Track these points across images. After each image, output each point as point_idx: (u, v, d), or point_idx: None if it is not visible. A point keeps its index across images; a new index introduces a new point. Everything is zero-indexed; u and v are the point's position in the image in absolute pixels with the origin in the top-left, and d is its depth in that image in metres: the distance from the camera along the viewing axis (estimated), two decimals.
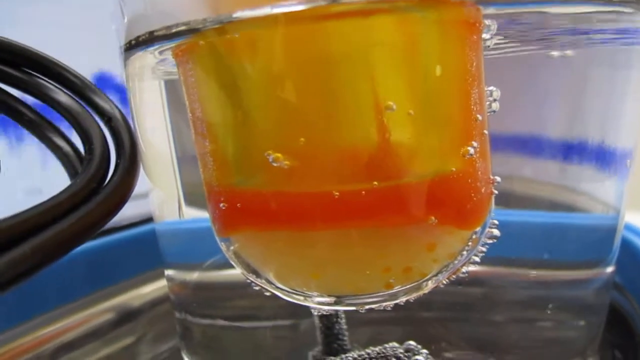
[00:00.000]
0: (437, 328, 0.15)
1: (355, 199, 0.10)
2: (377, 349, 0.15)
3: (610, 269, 0.15)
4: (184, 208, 0.14)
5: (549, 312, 0.14)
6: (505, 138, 0.14)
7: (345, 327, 0.15)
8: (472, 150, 0.11)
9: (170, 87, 0.13)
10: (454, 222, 0.11)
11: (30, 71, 0.12)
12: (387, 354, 0.14)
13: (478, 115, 0.11)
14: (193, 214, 0.14)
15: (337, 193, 0.10)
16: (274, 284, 0.12)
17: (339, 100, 0.10)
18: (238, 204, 0.11)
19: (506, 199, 0.13)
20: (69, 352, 0.19)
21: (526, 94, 0.14)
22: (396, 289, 0.12)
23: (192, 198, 0.14)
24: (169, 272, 0.15)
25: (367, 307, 0.12)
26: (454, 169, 0.11)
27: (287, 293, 0.12)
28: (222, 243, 0.12)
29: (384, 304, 0.12)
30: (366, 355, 0.15)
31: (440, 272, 0.12)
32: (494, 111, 0.12)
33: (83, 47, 0.24)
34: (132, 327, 0.20)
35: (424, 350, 0.15)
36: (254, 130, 0.10)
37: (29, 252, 0.08)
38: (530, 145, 0.14)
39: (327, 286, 0.11)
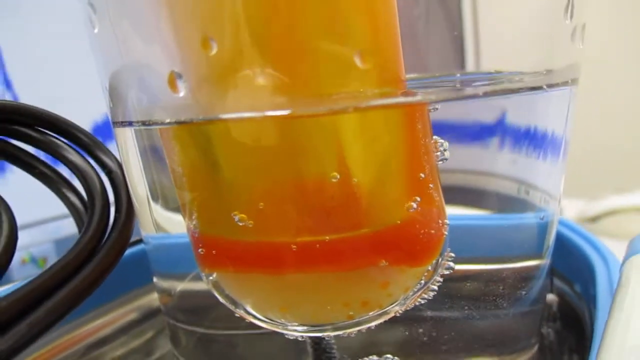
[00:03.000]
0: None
1: (311, 250, 0.12)
2: None
3: (547, 261, 0.16)
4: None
5: (494, 305, 0.16)
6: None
7: (333, 340, 0.17)
8: (415, 205, 0.12)
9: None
10: (404, 263, 0.13)
11: (44, 130, 0.15)
12: None
13: (421, 174, 0.12)
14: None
15: (294, 246, 0.12)
16: (251, 314, 0.14)
17: (297, 171, 0.11)
18: (213, 251, 0.13)
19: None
20: (100, 347, 0.21)
21: None
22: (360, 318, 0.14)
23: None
24: (156, 280, 0.16)
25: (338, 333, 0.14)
26: (399, 222, 0.12)
27: (264, 321, 0.14)
28: (203, 275, 0.14)
29: (352, 330, 0.14)
30: None
31: (399, 302, 0.14)
32: (446, 159, 0.14)
33: None
34: (152, 323, 0.23)
35: None
36: (224, 196, 0.12)
37: (42, 315, 0.10)
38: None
39: (298, 318, 0.13)
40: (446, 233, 0.14)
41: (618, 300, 0.11)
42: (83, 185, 0.14)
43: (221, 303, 0.14)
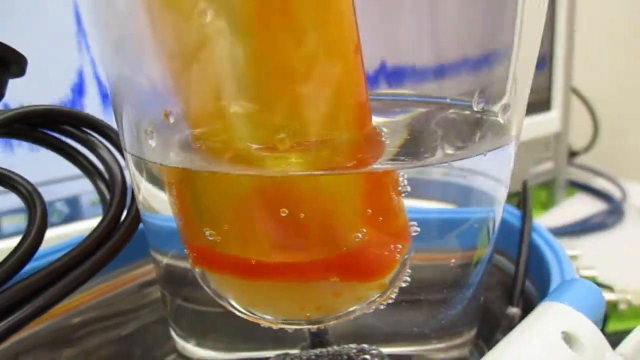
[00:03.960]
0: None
1: (270, 265, 0.14)
2: (335, 348, 0.19)
3: (490, 249, 0.18)
4: None
5: (442, 293, 0.17)
6: None
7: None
8: (360, 235, 0.14)
9: None
10: (354, 280, 0.15)
11: (86, 129, 0.18)
12: (342, 352, 0.19)
13: (369, 210, 0.14)
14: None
15: (253, 261, 0.14)
16: (233, 306, 0.16)
17: (254, 208, 0.14)
18: (194, 254, 0.15)
19: None
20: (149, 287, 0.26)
21: None
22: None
23: None
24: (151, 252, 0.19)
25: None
26: (345, 249, 0.14)
27: (243, 313, 0.16)
28: (193, 268, 0.17)
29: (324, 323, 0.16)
30: (318, 354, 0.19)
31: (361, 307, 0.16)
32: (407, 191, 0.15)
33: None
34: None
35: (375, 351, 0.19)
36: (200, 214, 0.15)
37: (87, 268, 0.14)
38: None
39: (270, 314, 0.16)
40: (406, 254, 0.16)
41: (516, 330, 0.13)
42: (109, 176, 0.17)
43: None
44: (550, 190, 0.60)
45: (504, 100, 0.17)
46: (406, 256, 0.16)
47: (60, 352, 0.22)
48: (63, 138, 0.18)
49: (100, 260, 0.16)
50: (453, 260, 0.17)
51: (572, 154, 0.63)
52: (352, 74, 0.13)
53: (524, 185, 0.24)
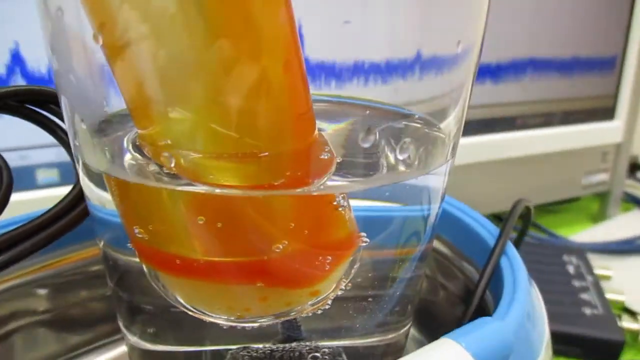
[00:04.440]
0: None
1: (195, 264, 0.15)
2: (294, 345, 0.19)
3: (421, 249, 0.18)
4: None
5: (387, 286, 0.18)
6: None
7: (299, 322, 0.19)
8: (281, 247, 0.14)
9: None
10: (279, 286, 0.15)
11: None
12: (296, 349, 0.19)
13: (291, 224, 0.14)
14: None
15: (178, 261, 0.15)
16: (178, 301, 0.17)
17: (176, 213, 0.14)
18: (132, 245, 0.16)
19: None
20: None
21: None
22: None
23: None
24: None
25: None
26: (265, 258, 0.15)
27: (189, 310, 0.17)
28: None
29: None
30: (274, 349, 0.19)
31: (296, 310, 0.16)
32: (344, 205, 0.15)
33: None
34: None
35: (327, 349, 0.19)
36: (130, 214, 0.15)
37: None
38: None
39: (204, 310, 0.17)
40: (337, 266, 0.16)
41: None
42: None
43: None
44: (603, 203, 0.56)
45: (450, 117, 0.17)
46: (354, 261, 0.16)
47: None
48: (49, 115, 0.19)
49: (48, 238, 0.17)
50: (384, 256, 0.17)
51: (634, 167, 0.59)
52: (283, 87, 0.13)
53: (514, 205, 0.23)
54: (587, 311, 0.37)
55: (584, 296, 0.38)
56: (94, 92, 0.14)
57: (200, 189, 0.14)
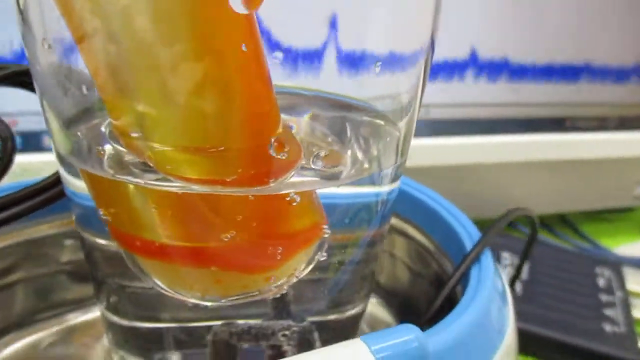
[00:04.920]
0: None
1: (151, 246, 0.16)
2: (274, 322, 0.20)
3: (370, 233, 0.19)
4: None
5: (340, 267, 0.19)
6: None
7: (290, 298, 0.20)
8: (229, 236, 0.15)
9: None
10: (232, 270, 0.16)
11: None
12: (270, 327, 0.20)
13: (238, 216, 0.15)
14: None
15: (138, 242, 0.16)
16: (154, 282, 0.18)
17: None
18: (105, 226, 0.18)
19: None
20: None
21: None
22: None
23: None
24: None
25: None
26: (214, 245, 0.16)
27: (164, 289, 0.18)
28: None
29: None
30: (252, 326, 0.20)
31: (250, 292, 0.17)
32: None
33: None
34: None
35: (297, 328, 0.20)
36: (95, 196, 0.17)
37: None
38: None
39: (169, 288, 0.18)
40: (291, 256, 0.17)
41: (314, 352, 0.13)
42: None
43: None
44: None
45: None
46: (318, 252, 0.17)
47: None
48: None
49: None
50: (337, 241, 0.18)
51: None
52: (235, 87, 0.14)
53: (503, 216, 0.23)
54: (608, 327, 0.35)
55: (608, 312, 0.37)
56: (61, 84, 0.16)
57: (146, 182, 0.15)
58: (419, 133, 0.43)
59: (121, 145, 0.16)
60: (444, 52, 0.43)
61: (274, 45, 0.16)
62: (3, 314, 0.23)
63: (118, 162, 0.16)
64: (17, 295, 0.23)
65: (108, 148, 0.16)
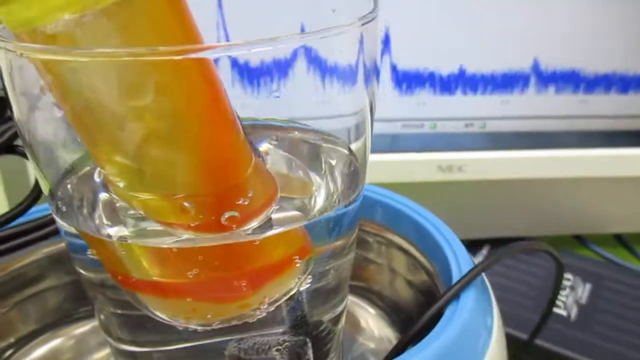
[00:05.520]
0: None
1: (132, 282, 0.18)
2: (272, 338, 0.22)
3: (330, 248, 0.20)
4: None
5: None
6: None
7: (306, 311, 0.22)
8: (195, 273, 0.17)
9: None
10: (205, 301, 0.18)
11: None
12: (270, 341, 0.22)
13: (199, 256, 0.17)
14: None
15: (119, 276, 0.19)
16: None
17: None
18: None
19: None
20: None
21: None
22: None
23: None
24: None
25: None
26: (182, 281, 0.18)
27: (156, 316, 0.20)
28: None
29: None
30: (256, 342, 0.22)
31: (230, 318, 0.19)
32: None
33: None
34: None
35: (289, 342, 0.22)
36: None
37: None
38: None
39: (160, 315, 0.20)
40: (260, 287, 0.18)
41: None
42: None
43: None
44: None
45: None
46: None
47: None
48: None
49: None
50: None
51: None
52: (199, 136, 0.16)
53: (490, 257, 0.22)
54: None
55: None
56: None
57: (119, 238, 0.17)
58: (478, 146, 0.42)
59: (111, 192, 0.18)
60: (505, 64, 0.42)
61: None
62: (38, 315, 0.27)
63: (112, 209, 0.18)
64: (49, 300, 0.27)
65: (103, 195, 0.19)
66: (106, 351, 0.27)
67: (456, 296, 0.20)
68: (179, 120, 0.15)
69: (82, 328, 0.28)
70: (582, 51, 0.42)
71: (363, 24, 0.16)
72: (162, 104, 0.15)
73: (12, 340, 0.27)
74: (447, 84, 0.41)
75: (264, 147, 0.20)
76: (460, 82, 0.41)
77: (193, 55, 0.14)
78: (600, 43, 0.41)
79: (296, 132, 0.21)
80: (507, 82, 0.42)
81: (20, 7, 0.13)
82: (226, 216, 0.17)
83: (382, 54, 0.40)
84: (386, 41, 0.40)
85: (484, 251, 0.47)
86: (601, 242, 0.50)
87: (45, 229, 0.22)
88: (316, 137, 0.21)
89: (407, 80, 0.41)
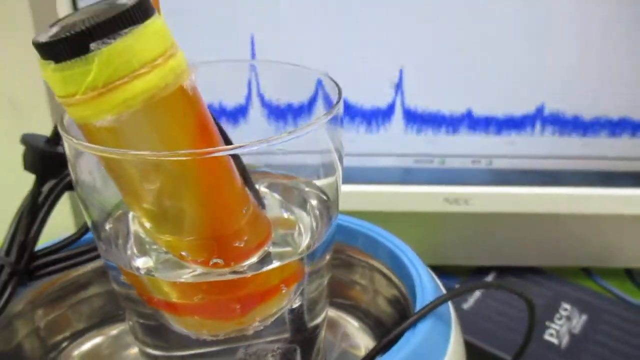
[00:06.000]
0: None
1: (153, 300, 0.24)
2: (265, 346, 0.27)
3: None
4: None
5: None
6: None
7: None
8: (198, 298, 0.23)
9: None
10: (209, 319, 0.24)
11: None
12: (267, 349, 0.27)
13: (203, 286, 0.22)
14: None
15: (144, 297, 0.24)
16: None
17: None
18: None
19: None
20: None
21: None
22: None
23: None
24: None
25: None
26: (190, 302, 0.23)
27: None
28: None
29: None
30: (257, 350, 0.27)
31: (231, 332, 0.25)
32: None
33: None
34: None
35: (280, 349, 0.27)
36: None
37: None
38: None
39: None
40: (251, 310, 0.23)
41: None
42: None
43: None
44: None
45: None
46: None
47: None
48: None
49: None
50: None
51: None
52: (199, 213, 0.21)
53: (464, 289, 0.26)
54: None
55: None
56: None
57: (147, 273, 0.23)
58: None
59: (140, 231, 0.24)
60: (511, 107, 0.46)
61: None
62: (87, 315, 0.33)
63: (141, 243, 0.24)
64: (95, 303, 0.34)
65: (134, 231, 0.24)
66: None
67: (413, 325, 0.25)
68: (184, 199, 0.21)
69: (120, 327, 0.34)
70: (585, 97, 0.45)
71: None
72: (170, 189, 0.20)
73: (67, 334, 0.33)
74: (456, 124, 0.45)
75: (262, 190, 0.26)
76: (468, 122, 0.45)
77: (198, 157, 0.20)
78: (604, 90, 0.44)
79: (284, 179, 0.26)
80: (513, 124, 0.45)
81: (78, 110, 0.19)
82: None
83: (394, 96, 0.45)
84: (399, 85, 0.44)
85: (489, 278, 0.50)
86: (610, 276, 0.52)
87: (94, 252, 0.28)
88: (298, 181, 0.26)
89: (418, 120, 0.45)
